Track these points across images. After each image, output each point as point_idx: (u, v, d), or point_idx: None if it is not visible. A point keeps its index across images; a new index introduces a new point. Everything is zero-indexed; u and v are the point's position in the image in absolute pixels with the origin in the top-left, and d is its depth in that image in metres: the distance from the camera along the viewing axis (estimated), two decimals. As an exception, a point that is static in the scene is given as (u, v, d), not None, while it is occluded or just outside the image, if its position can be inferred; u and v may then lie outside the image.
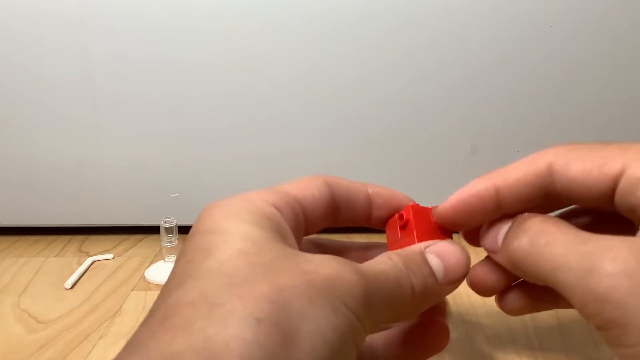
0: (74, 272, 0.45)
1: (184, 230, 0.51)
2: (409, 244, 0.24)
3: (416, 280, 0.22)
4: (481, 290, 0.25)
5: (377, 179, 0.50)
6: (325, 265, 0.19)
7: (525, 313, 0.26)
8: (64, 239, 0.52)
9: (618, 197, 0.20)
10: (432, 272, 0.22)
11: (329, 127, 0.48)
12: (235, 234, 0.19)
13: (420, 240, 0.24)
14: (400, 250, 0.22)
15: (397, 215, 0.25)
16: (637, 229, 0.21)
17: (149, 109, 0.47)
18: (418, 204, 0.26)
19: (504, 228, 0.22)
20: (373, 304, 0.19)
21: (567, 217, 0.25)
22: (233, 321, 0.16)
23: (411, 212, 0.25)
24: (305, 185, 0.24)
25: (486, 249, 0.24)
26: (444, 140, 0.48)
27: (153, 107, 0.47)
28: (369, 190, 0.27)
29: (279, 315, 0.17)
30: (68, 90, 0.47)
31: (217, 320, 0.16)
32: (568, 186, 0.22)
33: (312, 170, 0.49)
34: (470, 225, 0.24)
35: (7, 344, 0.35)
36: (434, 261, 0.22)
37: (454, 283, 0.23)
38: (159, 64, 0.46)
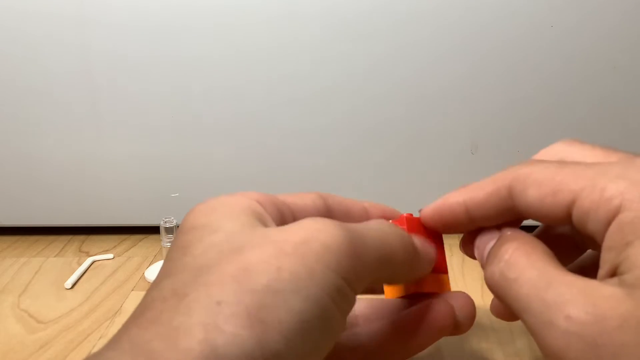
0: (74, 272, 0.45)
1: (184, 230, 0.51)
2: None
3: (407, 236, 0.22)
4: (500, 315, 0.27)
5: (377, 179, 0.50)
6: (298, 229, 0.19)
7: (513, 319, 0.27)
8: (64, 239, 0.52)
9: (574, 224, 0.20)
10: (413, 242, 0.23)
11: (329, 126, 0.48)
12: (210, 228, 0.20)
13: None
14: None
15: (391, 222, 0.26)
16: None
17: (150, 108, 0.47)
18: (412, 215, 0.26)
19: (488, 246, 0.23)
20: (362, 255, 0.19)
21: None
22: (196, 309, 0.16)
23: (405, 221, 0.25)
24: (299, 195, 0.24)
25: (479, 261, 0.24)
26: (444, 140, 0.48)
27: (153, 107, 0.47)
28: (365, 204, 0.27)
29: (242, 294, 0.16)
30: (68, 90, 0.47)
31: (183, 310, 0.16)
32: (528, 210, 0.22)
33: (312, 169, 0.49)
34: (452, 232, 0.25)
35: (7, 344, 0.35)
36: (415, 240, 0.23)
37: (429, 260, 0.24)
38: (160, 63, 0.46)
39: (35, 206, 0.51)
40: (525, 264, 0.20)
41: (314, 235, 0.18)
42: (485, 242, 0.23)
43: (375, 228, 0.21)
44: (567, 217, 0.20)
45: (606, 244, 0.19)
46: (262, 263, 0.17)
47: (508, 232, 0.23)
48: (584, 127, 0.47)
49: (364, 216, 0.26)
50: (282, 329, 0.16)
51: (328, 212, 0.25)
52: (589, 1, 0.44)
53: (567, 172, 0.20)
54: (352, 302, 0.19)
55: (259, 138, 0.48)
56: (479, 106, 0.47)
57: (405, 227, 0.25)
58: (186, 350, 0.15)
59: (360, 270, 0.19)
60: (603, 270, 0.19)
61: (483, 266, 0.23)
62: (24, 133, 0.48)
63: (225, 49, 0.46)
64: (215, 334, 0.16)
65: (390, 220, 0.26)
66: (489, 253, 0.22)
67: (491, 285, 0.21)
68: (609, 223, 0.18)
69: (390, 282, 0.26)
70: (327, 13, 0.45)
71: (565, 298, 0.17)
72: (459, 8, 0.45)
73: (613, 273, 0.18)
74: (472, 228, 0.24)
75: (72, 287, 0.43)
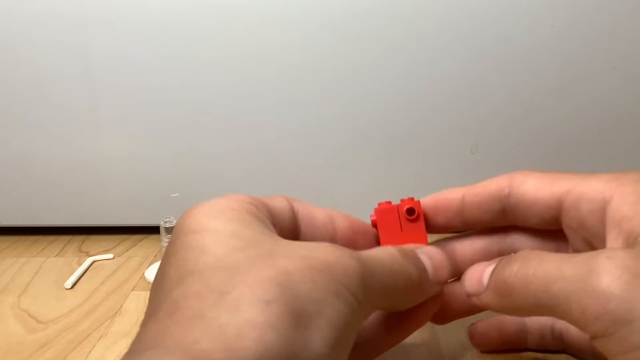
0: (74, 272, 0.45)
1: (184, 230, 0.52)
2: (417, 236, 0.26)
3: (414, 269, 0.23)
4: (479, 344, 0.29)
5: (377, 179, 0.50)
6: (322, 251, 0.19)
7: (495, 348, 0.29)
8: (64, 239, 0.52)
9: (565, 212, 0.23)
10: (425, 268, 0.23)
11: (328, 125, 0.48)
12: (225, 232, 0.20)
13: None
14: (396, 246, 0.24)
15: (401, 208, 0.27)
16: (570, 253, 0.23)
17: (149, 108, 0.47)
18: (389, 203, 0.27)
19: (488, 269, 0.23)
20: (370, 288, 0.20)
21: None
22: (243, 306, 0.16)
23: (420, 207, 0.27)
24: (273, 198, 0.25)
25: (470, 294, 0.24)
26: (444, 140, 0.48)
27: (153, 107, 0.47)
28: (333, 214, 0.27)
29: (288, 297, 0.17)
30: (67, 90, 0.47)
31: (227, 307, 0.16)
32: (521, 199, 0.25)
33: (312, 169, 0.49)
34: (441, 224, 0.27)
35: (7, 344, 0.35)
36: (425, 259, 0.24)
37: (439, 283, 0.24)
38: (160, 63, 0.46)
39: (35, 206, 0.51)
40: (544, 253, 0.21)
41: (338, 261, 0.19)
42: (482, 270, 0.24)
43: (385, 264, 0.22)
44: (557, 206, 0.23)
45: (610, 222, 0.21)
46: (299, 272, 0.18)
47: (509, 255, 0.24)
48: (584, 127, 0.47)
49: (330, 224, 0.26)
50: (324, 334, 0.17)
51: (294, 217, 0.25)
52: (589, 1, 0.44)
53: (565, 174, 0.23)
54: (361, 325, 0.20)
55: (259, 138, 0.48)
56: (479, 106, 0.47)
57: (375, 217, 0.26)
58: (240, 350, 0.15)
59: (368, 300, 0.20)
60: (613, 244, 0.20)
61: (477, 292, 0.24)
62: (24, 133, 0.48)
63: (224, 49, 0.46)
64: (270, 333, 0.16)
65: (378, 204, 0.27)
66: (497, 268, 0.22)
67: (508, 285, 0.21)
68: (603, 205, 0.21)
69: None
70: (328, 16, 0.45)
71: (600, 252, 0.18)
72: (459, 8, 0.45)
73: (625, 244, 0.19)
74: (460, 227, 0.26)
75: (72, 287, 0.43)
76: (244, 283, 0.17)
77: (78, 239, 0.52)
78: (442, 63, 0.46)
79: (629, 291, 0.16)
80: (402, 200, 0.27)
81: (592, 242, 0.22)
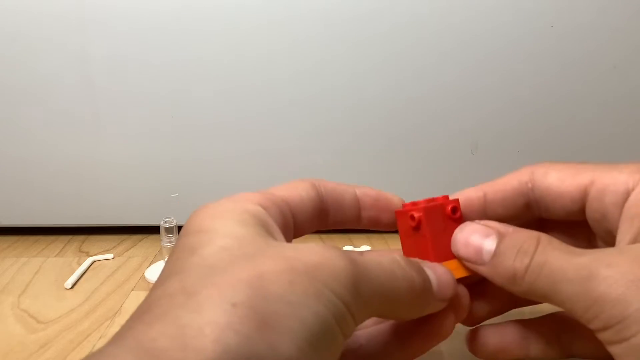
0: (74, 272, 0.45)
1: (184, 230, 0.52)
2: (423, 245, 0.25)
3: (416, 276, 0.22)
4: (478, 351, 0.28)
5: (377, 179, 0.50)
6: (310, 252, 0.19)
7: (495, 356, 0.27)
8: (64, 239, 0.52)
9: (588, 203, 0.23)
10: (428, 279, 0.23)
11: (328, 127, 0.48)
12: (219, 232, 0.20)
13: (435, 242, 0.24)
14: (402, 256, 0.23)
15: (410, 214, 0.25)
16: (598, 242, 0.23)
17: (149, 108, 0.47)
18: (430, 200, 0.25)
19: (487, 242, 0.23)
20: (362, 291, 0.19)
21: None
22: (208, 307, 0.16)
23: (422, 210, 0.25)
24: (293, 187, 0.25)
25: (466, 259, 0.24)
26: (444, 140, 0.48)
27: (153, 107, 0.47)
28: (357, 191, 0.27)
29: (257, 299, 0.17)
30: (67, 90, 0.47)
31: (192, 307, 0.16)
32: (545, 192, 0.24)
33: (312, 169, 0.49)
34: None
35: (7, 344, 0.35)
36: (429, 272, 0.23)
37: (444, 300, 0.24)
38: (159, 64, 0.46)
39: (35, 206, 0.51)
40: (550, 247, 0.21)
41: (325, 262, 0.19)
42: (480, 240, 0.23)
43: (385, 267, 0.21)
44: (581, 198, 0.22)
45: (625, 215, 0.21)
46: (275, 274, 0.17)
47: (510, 228, 0.23)
48: (584, 127, 0.47)
49: (355, 206, 0.26)
50: (294, 337, 0.16)
51: (320, 202, 0.25)
52: (589, 1, 0.44)
53: (587, 165, 0.23)
54: (352, 329, 0.19)
55: (259, 138, 0.48)
56: (479, 106, 0.47)
57: (421, 215, 0.25)
58: (196, 350, 0.15)
59: (360, 304, 0.19)
60: (623, 241, 0.20)
61: (476, 262, 0.23)
62: (24, 133, 0.48)
63: (224, 51, 0.46)
64: (230, 335, 0.15)
65: (402, 205, 0.26)
66: (499, 250, 0.22)
67: (515, 276, 0.21)
68: (626, 197, 0.21)
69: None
70: (327, 18, 0.45)
71: (601, 254, 0.19)
72: (459, 8, 0.45)
73: (634, 240, 0.20)
74: (479, 218, 0.25)
75: (72, 287, 0.43)
76: (214, 285, 0.17)
77: (78, 239, 0.52)
78: (443, 63, 0.46)
79: (625, 294, 0.18)
80: (429, 200, 0.26)
81: (615, 234, 0.22)
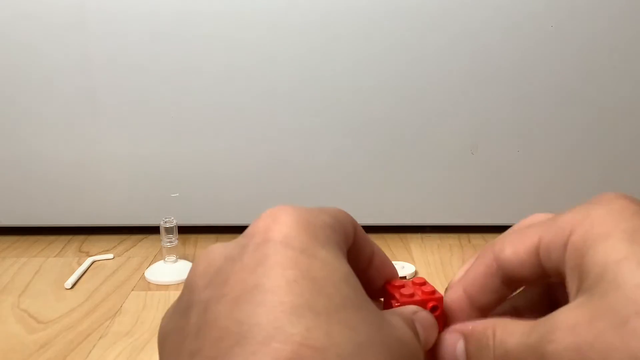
0: (74, 272, 0.45)
1: (183, 230, 0.52)
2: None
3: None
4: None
5: (377, 179, 0.50)
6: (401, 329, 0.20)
7: None
8: (64, 239, 0.52)
9: (543, 263, 0.22)
10: (418, 334, 0.23)
11: (328, 126, 0.48)
12: (337, 269, 0.19)
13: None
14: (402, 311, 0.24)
15: (392, 299, 0.25)
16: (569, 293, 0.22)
17: (149, 110, 0.47)
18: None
19: (459, 345, 0.24)
20: None
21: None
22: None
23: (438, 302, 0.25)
24: (333, 211, 0.24)
25: None
26: (444, 140, 0.48)
27: (153, 108, 0.47)
28: (375, 249, 0.27)
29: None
30: (68, 91, 0.47)
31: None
32: (509, 269, 0.24)
33: (311, 169, 0.49)
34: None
35: (7, 344, 0.35)
36: (419, 327, 0.23)
37: (425, 348, 0.24)
38: (160, 64, 0.46)
39: (35, 206, 0.51)
40: (505, 337, 0.21)
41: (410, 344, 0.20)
42: (454, 339, 0.24)
43: (402, 331, 0.21)
44: (537, 262, 0.22)
45: (567, 268, 0.20)
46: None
47: (469, 325, 0.24)
48: (584, 127, 0.47)
49: (368, 262, 0.26)
50: None
51: (354, 243, 0.25)
52: (589, 1, 0.44)
53: (534, 226, 0.22)
54: None
55: (259, 138, 0.48)
56: (479, 106, 0.47)
57: (440, 308, 0.25)
58: None
59: None
60: (572, 294, 0.20)
61: None
62: (24, 133, 0.48)
63: (224, 51, 0.46)
64: None
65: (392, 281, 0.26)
66: (470, 354, 0.23)
67: None
68: (565, 249, 0.20)
69: None
70: (329, 20, 0.45)
71: (545, 330, 0.19)
72: (459, 8, 0.45)
73: (577, 293, 0.19)
74: (476, 315, 0.25)
75: (72, 287, 0.43)
76: (251, 351, 0.15)
77: (78, 239, 0.52)
78: (443, 63, 0.46)
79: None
80: (416, 285, 0.26)
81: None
